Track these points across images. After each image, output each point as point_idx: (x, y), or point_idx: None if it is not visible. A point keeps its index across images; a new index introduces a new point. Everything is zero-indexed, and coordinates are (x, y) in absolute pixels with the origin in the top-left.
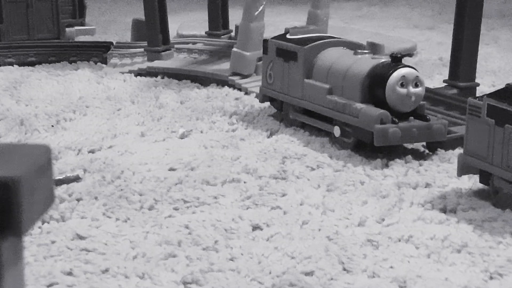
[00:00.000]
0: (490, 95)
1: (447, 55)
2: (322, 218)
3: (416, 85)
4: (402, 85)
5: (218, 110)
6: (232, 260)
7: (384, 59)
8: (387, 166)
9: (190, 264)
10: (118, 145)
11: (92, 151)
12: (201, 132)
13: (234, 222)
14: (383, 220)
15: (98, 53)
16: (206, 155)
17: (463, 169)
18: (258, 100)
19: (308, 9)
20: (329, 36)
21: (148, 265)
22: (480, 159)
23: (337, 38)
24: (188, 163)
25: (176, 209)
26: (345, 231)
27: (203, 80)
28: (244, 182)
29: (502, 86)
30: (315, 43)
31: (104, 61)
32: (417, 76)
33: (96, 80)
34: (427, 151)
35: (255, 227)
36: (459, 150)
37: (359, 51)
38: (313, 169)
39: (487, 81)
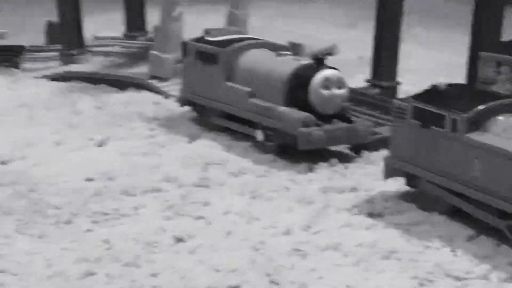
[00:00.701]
0: (415, 96)
1: (368, 53)
2: (247, 227)
3: (340, 87)
4: (325, 87)
5: (137, 116)
6: (154, 276)
7: (307, 60)
8: (311, 170)
9: (110, 282)
10: (32, 155)
11: (3, 163)
12: (120, 139)
13: (156, 235)
14: (310, 227)
15: (9, 57)
16: (125, 163)
17: (389, 172)
18: (178, 104)
19: (227, 9)
20: (250, 38)
21: (65, 285)
22: (406, 162)
23: (258, 39)
24: (106, 172)
25: (94, 222)
26: (271, 240)
27: (121, 84)
28: (166, 191)
29: (423, 84)
30: (236, 45)
31: (16, 66)
32: (340, 78)
33: (7, 86)
34: (352, 153)
35: (178, 239)
36: (383, 151)
37: (281, 52)
38: (236, 175)
39: (408, 80)
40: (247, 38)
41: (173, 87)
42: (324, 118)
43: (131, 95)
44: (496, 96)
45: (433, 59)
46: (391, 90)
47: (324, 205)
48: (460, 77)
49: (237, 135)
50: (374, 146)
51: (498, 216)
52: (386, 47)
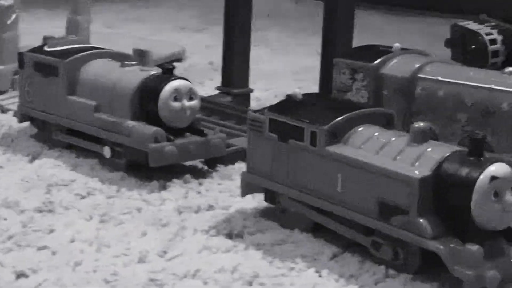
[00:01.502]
0: (271, 108)
1: (217, 59)
2: (97, 256)
3: (191, 98)
4: (175, 99)
5: None
6: None
7: (154, 70)
8: (165, 188)
9: None
10: None
11: None
12: None
13: None
14: (166, 252)
15: None
16: None
17: (247, 188)
18: (16, 120)
19: (67, 14)
20: (93, 47)
21: None
22: (265, 177)
23: (102, 48)
24: None
25: None
26: (125, 270)
27: None
28: (4, 219)
29: (276, 90)
30: (77, 55)
31: None
32: (191, 88)
33: None
34: (206, 168)
35: (19, 275)
36: (240, 165)
37: (127, 62)
38: (83, 197)
39: (260, 86)
40: (90, 48)
41: (11, 100)
42: (175, 131)
43: None
44: (353, 105)
45: (285, 63)
46: (244, 98)
47: (180, 227)
48: (313, 82)
49: (83, 153)
50: (230, 159)
51: (362, 232)
52: (236, 52)
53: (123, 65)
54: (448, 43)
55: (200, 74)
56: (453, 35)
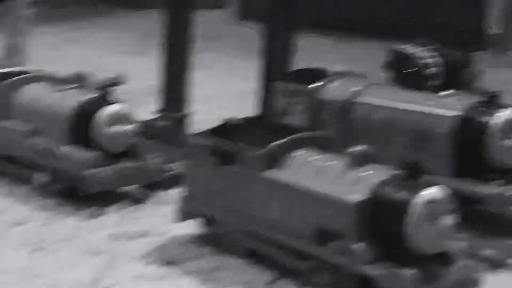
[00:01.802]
0: (209, 132)
1: (156, 82)
2: (26, 287)
3: (127, 122)
4: (111, 124)
5: None
6: None
7: (91, 94)
8: (100, 214)
9: None
10: None
11: None
12: None
13: None
14: (99, 281)
15: None
16: None
17: (184, 214)
18: None
19: (3, 37)
20: (28, 70)
21: None
22: (202, 202)
23: (38, 71)
24: None
25: None
26: None
27: None
28: None
29: (215, 113)
30: (12, 79)
31: None
32: (128, 112)
33: None
34: (143, 193)
35: None
36: (178, 190)
37: (63, 86)
38: (15, 225)
39: (200, 109)
40: (25, 71)
41: None
42: (112, 156)
43: None
44: (291, 129)
45: (226, 86)
46: (183, 121)
47: (114, 255)
48: (253, 106)
49: (16, 179)
50: (167, 184)
51: (299, 258)
52: (175, 75)
53: (59, 89)
54: (386, 66)
55: (140, 98)
56: (391, 58)
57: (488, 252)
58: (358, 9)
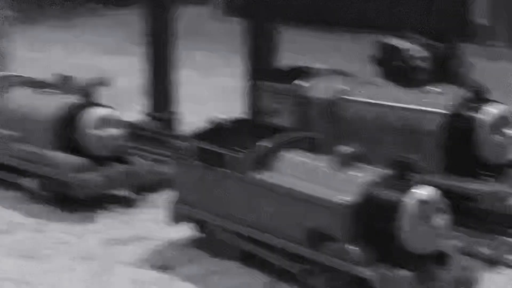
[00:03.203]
0: (197, 136)
1: (143, 82)
2: None
3: (115, 125)
4: (99, 127)
5: None
6: None
7: (76, 97)
8: (91, 219)
9: None
10: None
11: None
12: None
13: None
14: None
15: None
16: None
17: (176, 218)
18: None
19: None
20: (12, 74)
21: None
22: (192, 206)
23: (21, 75)
24: None
25: None
26: None
27: None
28: None
29: (203, 112)
30: None
31: None
32: (115, 115)
33: None
34: (133, 197)
35: None
36: (168, 193)
37: (47, 90)
38: (5, 232)
39: (189, 108)
40: (8, 76)
41: None
42: (100, 160)
43: None
44: (279, 130)
45: (212, 85)
46: (171, 122)
47: (108, 260)
48: (241, 103)
49: (4, 185)
50: (157, 187)
51: (292, 260)
52: (161, 75)
53: (44, 93)
54: (372, 60)
55: (127, 99)
56: (378, 52)
57: (482, 249)
58: (344, 2)
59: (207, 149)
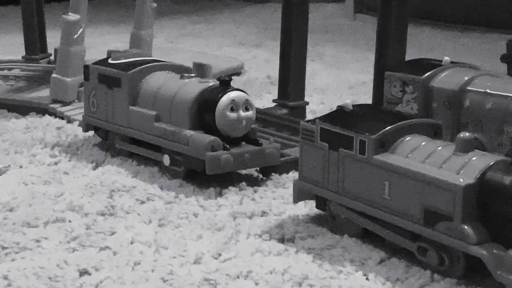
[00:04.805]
0: (322, 118)
1: (274, 73)
2: (155, 257)
3: (247, 109)
4: (232, 110)
5: (39, 142)
6: None
7: (212, 82)
8: (220, 195)
9: None
10: None
11: None
12: (20, 167)
13: (59, 268)
14: (220, 255)
15: None
16: (26, 192)
17: (299, 195)
18: (81, 129)
19: (130, 29)
20: (154, 60)
21: None
22: (316, 185)
23: (163, 61)
24: (6, 203)
25: None
26: (181, 270)
27: (21, 109)
28: (69, 221)
29: (331, 103)
30: (139, 67)
31: None
32: (247, 100)
33: None
34: (261, 176)
35: (83, 272)
36: (293, 174)
37: (186, 74)
38: (143, 202)
39: (316, 99)
40: (151, 61)
41: (76, 111)
42: (231, 141)
43: (31, 120)
44: (402, 116)
45: (340, 78)
46: (299, 110)
47: (234, 231)
48: (367, 96)
49: (143, 160)
50: (283, 168)
51: (409, 238)
52: (293, 66)
53: (182, 77)
54: (504, 59)
55: (258, 88)
56: (509, 50)
57: None
58: (474, 1)
59: (331, 130)
